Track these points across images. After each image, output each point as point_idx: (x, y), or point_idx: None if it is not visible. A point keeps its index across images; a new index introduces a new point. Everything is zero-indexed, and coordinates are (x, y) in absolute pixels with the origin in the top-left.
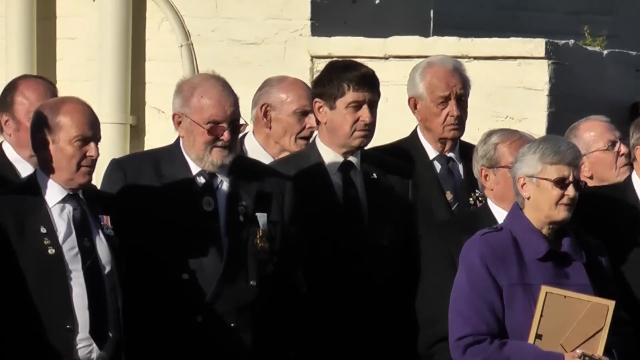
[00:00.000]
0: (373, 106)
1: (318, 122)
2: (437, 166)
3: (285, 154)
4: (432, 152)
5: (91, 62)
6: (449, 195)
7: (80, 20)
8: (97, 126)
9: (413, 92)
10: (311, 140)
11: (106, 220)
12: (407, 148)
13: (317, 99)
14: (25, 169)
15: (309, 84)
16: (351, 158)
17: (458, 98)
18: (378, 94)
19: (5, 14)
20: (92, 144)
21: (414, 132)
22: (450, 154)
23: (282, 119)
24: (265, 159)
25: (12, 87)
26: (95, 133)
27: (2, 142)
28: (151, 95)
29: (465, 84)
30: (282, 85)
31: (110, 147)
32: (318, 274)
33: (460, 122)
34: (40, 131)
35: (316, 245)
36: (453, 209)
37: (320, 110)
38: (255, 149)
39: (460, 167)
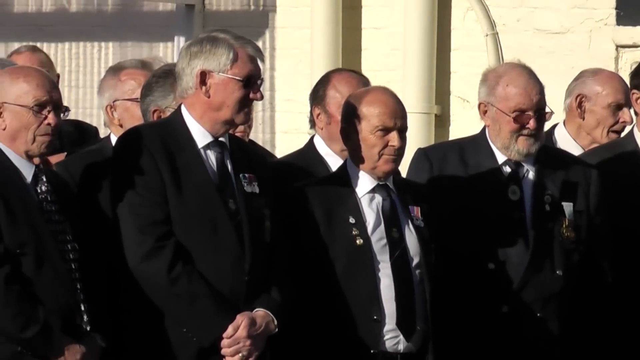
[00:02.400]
0: None
1: (636, 114)
2: None
3: (595, 145)
4: None
5: (396, 52)
6: None
7: (386, 10)
8: (402, 116)
9: None
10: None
11: (416, 211)
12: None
13: (634, 90)
14: (335, 162)
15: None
16: None
17: None
18: None
19: (311, 4)
20: (393, 133)
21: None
22: None
23: (596, 110)
24: (576, 149)
25: (325, 80)
26: (396, 122)
27: (313, 135)
28: (456, 85)
29: None
30: (599, 78)
31: (415, 137)
32: (625, 264)
33: None
34: (347, 121)
35: (627, 234)
36: None
37: (638, 101)
38: (566, 140)
39: None
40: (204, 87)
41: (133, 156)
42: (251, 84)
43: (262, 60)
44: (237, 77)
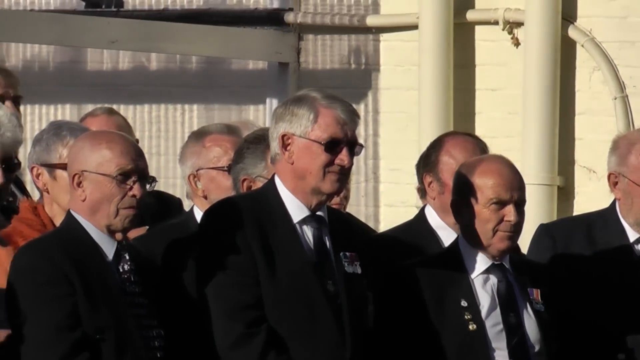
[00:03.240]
0: None
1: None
2: None
3: None
4: None
5: (514, 116)
6: None
7: (502, 70)
8: (519, 187)
9: None
10: None
11: (536, 293)
12: None
13: None
14: (448, 236)
15: None
16: None
17: None
18: None
19: (418, 63)
20: (510, 207)
21: None
22: None
23: None
24: None
25: (437, 144)
26: (513, 195)
27: (425, 206)
28: (581, 153)
29: None
30: None
31: (536, 211)
32: None
33: None
34: (458, 193)
35: None
36: None
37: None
38: None
39: None
40: (286, 153)
41: (222, 232)
42: (336, 148)
43: (356, 123)
44: (318, 141)
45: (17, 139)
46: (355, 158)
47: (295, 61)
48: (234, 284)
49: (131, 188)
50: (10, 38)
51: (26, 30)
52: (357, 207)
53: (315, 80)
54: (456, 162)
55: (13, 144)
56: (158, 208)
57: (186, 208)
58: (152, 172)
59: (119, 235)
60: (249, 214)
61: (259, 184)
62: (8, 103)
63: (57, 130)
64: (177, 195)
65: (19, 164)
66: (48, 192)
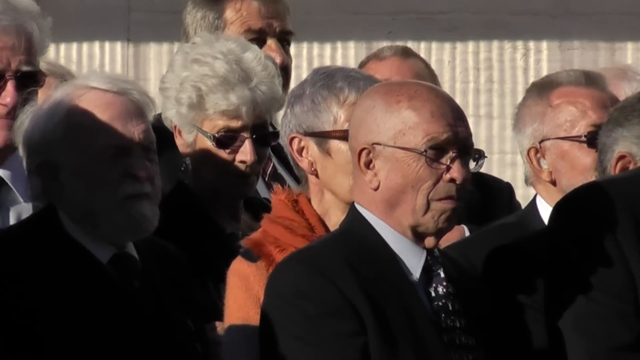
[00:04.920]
0: None
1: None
2: None
3: None
4: None
5: None
6: None
7: None
8: None
9: None
10: None
11: None
12: None
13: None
14: None
15: None
16: None
17: None
18: None
19: None
20: None
21: None
22: None
23: None
24: None
25: None
26: None
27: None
28: None
29: None
30: None
31: None
32: None
33: None
34: None
35: None
36: None
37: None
38: None
39: None
40: None
41: (586, 237)
42: None
43: None
44: None
45: (275, 95)
46: None
47: None
48: (610, 314)
49: (448, 169)
50: None
51: None
52: None
53: None
54: None
55: (269, 103)
56: (479, 199)
57: (522, 199)
58: (477, 143)
59: (430, 241)
60: (625, 206)
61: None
62: (271, 42)
63: (328, 80)
64: (507, 179)
65: (277, 133)
66: (317, 176)
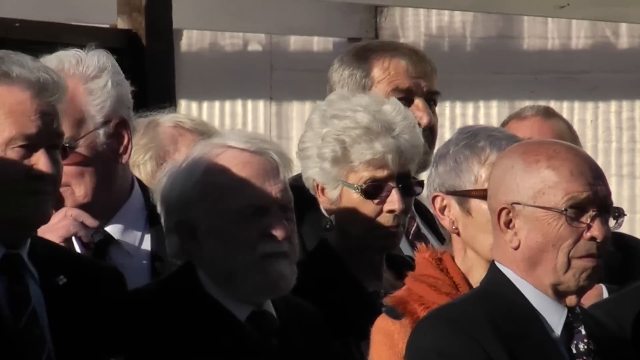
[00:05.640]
0: None
1: None
2: None
3: None
4: None
5: None
6: None
7: None
8: None
9: None
10: None
11: None
12: None
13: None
14: None
15: None
16: None
17: None
18: None
19: None
20: None
21: None
22: None
23: None
24: None
25: None
26: None
27: None
28: None
29: None
30: None
31: None
32: None
33: None
34: None
35: None
36: None
37: None
38: None
39: None
40: None
41: None
42: None
43: None
44: None
45: (417, 143)
46: None
47: None
48: None
49: (589, 227)
50: (411, 2)
51: None
52: None
53: None
54: None
55: (412, 151)
56: (620, 259)
57: None
58: (620, 203)
59: (571, 300)
60: None
61: None
62: (419, 102)
63: (471, 139)
64: None
65: (421, 182)
66: (459, 234)
